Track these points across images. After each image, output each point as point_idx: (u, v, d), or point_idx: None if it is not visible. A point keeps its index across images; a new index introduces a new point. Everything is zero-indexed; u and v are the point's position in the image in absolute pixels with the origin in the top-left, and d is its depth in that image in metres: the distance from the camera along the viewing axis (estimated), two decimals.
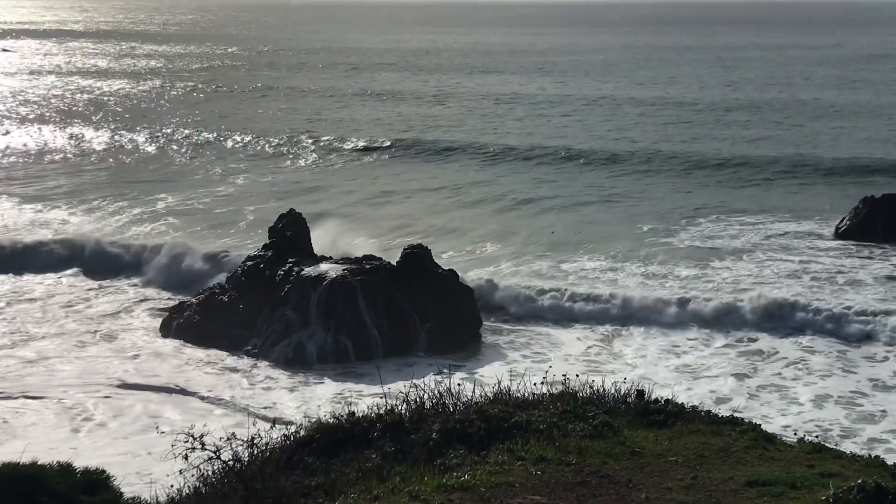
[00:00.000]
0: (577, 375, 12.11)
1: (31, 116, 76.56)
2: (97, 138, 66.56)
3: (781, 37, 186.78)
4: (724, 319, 30.72)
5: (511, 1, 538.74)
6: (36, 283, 35.56)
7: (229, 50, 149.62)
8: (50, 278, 36.12)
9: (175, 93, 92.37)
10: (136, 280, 35.78)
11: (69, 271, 36.67)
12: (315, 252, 31.91)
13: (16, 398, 24.92)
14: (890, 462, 10.36)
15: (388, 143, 62.49)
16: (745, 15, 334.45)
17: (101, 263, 37.30)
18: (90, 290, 34.77)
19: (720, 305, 31.20)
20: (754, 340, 29.36)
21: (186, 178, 54.02)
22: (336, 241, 34.73)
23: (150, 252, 37.15)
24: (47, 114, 77.87)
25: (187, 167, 57.74)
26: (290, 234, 31.70)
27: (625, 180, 51.98)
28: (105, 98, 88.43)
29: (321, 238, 34.13)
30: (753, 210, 44.70)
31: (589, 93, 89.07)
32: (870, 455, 10.57)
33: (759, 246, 38.51)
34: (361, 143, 62.66)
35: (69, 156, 61.34)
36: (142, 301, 33.51)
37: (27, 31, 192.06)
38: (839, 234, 39.63)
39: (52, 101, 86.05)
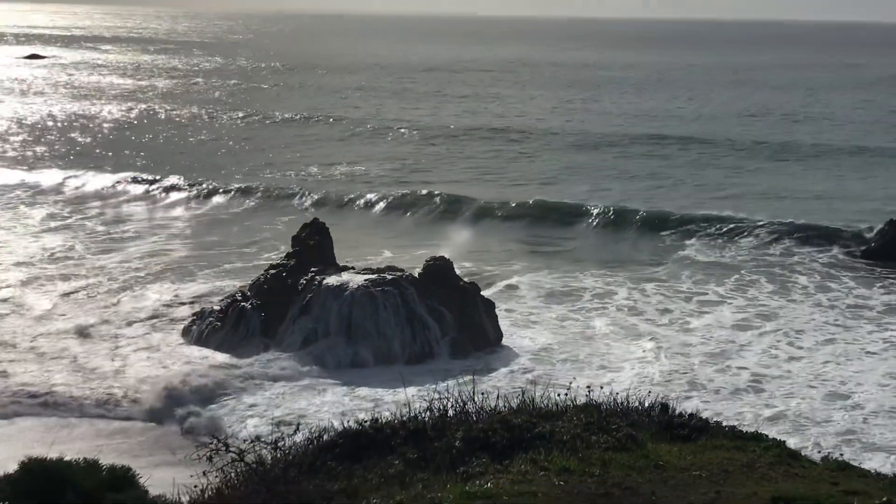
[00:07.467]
0: (601, 387, 12.10)
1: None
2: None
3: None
4: None
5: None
6: None
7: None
8: None
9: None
10: None
11: None
12: (337, 262, 31.95)
13: None
14: None
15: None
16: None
17: None
18: None
19: None
20: None
21: None
22: None
23: None
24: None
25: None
26: (312, 244, 31.75)
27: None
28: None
29: None
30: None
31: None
32: (894, 474, 10.53)
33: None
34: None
35: None
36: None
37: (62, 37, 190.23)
38: (865, 255, 39.48)
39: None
